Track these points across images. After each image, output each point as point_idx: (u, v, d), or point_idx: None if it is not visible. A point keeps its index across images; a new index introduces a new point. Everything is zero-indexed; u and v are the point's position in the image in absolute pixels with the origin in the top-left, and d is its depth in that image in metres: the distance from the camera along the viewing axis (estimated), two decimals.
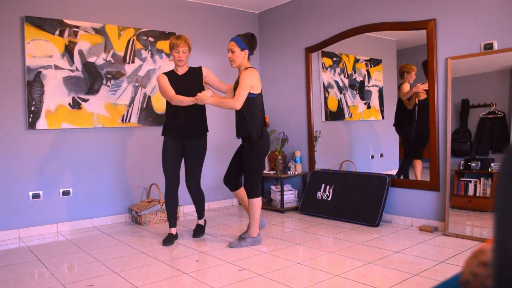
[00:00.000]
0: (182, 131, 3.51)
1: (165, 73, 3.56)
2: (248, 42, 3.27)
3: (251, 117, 3.23)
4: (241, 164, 3.41)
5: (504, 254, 0.54)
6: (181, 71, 3.57)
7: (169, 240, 3.55)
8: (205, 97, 3.25)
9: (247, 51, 3.27)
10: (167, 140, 3.55)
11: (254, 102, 3.25)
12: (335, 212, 4.27)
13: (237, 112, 3.29)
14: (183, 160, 3.66)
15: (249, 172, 3.33)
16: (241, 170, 3.46)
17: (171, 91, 3.41)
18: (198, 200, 3.76)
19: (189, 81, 3.53)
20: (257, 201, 3.34)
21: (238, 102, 3.15)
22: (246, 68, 3.26)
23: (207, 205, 5.13)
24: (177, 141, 3.54)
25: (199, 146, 3.60)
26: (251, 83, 3.18)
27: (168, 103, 3.54)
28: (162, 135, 3.60)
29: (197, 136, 3.57)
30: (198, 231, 3.78)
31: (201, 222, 3.84)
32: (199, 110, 3.56)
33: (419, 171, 4.18)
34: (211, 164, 5.15)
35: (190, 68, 3.62)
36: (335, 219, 4.24)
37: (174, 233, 3.64)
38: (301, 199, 4.75)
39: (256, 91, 3.24)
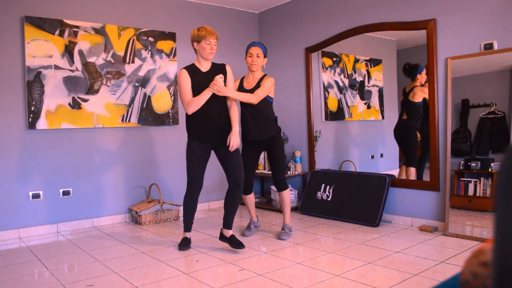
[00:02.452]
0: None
1: (186, 68, 3.22)
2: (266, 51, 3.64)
3: (274, 118, 3.65)
4: (255, 165, 3.70)
5: (504, 254, 0.54)
6: (205, 66, 3.26)
7: (185, 244, 3.36)
8: (223, 87, 3.13)
9: (265, 60, 3.63)
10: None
11: (271, 106, 3.65)
12: (335, 212, 4.27)
13: (261, 114, 3.51)
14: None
15: (282, 166, 3.63)
16: (254, 171, 3.72)
17: (187, 96, 3.15)
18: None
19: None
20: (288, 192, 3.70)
21: (257, 98, 3.40)
22: (265, 75, 3.59)
23: (207, 205, 5.13)
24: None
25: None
26: (272, 89, 3.56)
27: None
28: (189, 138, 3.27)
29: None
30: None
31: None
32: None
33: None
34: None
35: (213, 64, 3.31)
36: (335, 219, 4.24)
37: (189, 237, 3.43)
38: (301, 199, 4.75)
39: (273, 96, 3.65)
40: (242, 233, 3.76)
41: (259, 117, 3.53)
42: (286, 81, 5.24)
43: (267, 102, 3.55)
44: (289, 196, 3.66)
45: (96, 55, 4.28)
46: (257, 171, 5.21)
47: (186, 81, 3.15)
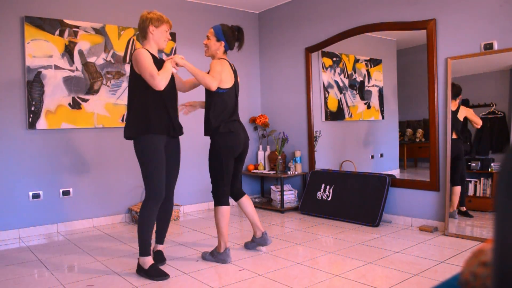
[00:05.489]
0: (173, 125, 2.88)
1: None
2: (230, 35, 3.06)
3: (214, 115, 2.95)
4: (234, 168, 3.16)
5: (504, 254, 0.54)
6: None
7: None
8: (180, 58, 2.83)
9: (222, 43, 3.04)
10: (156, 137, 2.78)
11: (223, 98, 2.97)
12: (335, 212, 4.27)
13: (205, 109, 3.03)
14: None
15: (211, 175, 3.03)
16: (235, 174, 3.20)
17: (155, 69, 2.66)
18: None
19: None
20: (224, 211, 2.97)
21: (215, 82, 2.83)
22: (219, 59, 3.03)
23: (207, 205, 5.12)
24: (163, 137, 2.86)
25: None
26: (221, 74, 2.91)
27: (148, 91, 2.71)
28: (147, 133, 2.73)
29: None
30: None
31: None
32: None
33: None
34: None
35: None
36: (335, 219, 4.24)
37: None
38: (301, 199, 4.75)
39: (225, 85, 2.96)
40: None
41: (205, 110, 3.07)
42: (286, 81, 5.24)
43: (211, 93, 2.96)
44: (218, 215, 2.98)
45: (96, 55, 4.28)
46: (256, 170, 5.21)
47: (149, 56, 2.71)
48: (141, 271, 2.73)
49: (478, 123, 3.62)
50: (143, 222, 2.73)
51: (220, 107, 2.96)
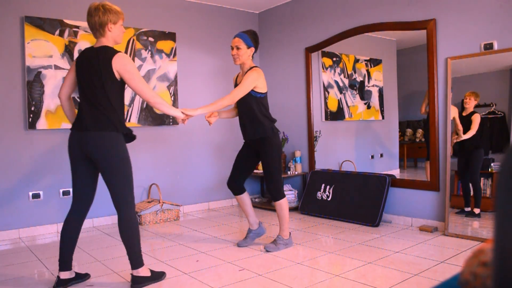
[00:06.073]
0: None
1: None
2: (253, 40, 3.16)
3: (264, 117, 3.17)
4: (248, 167, 3.33)
5: (504, 254, 0.54)
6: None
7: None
8: (193, 110, 2.82)
9: (253, 49, 3.16)
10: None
11: (264, 102, 3.20)
12: (335, 212, 4.27)
13: (247, 114, 3.17)
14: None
15: (271, 173, 3.18)
16: (246, 172, 3.36)
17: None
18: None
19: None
20: (285, 201, 3.25)
21: (231, 98, 3.00)
22: (251, 68, 3.14)
23: (207, 205, 5.12)
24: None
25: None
26: (255, 83, 3.08)
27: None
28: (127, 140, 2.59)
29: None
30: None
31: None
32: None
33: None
34: (210, 164, 5.15)
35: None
36: (335, 219, 4.24)
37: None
38: (301, 199, 4.75)
39: (263, 90, 3.17)
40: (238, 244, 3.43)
41: (244, 115, 3.21)
42: (286, 81, 5.24)
43: (251, 98, 3.12)
44: (283, 206, 3.23)
45: None
46: (256, 170, 5.20)
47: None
48: (145, 281, 2.55)
49: (459, 130, 3.64)
50: (137, 232, 2.54)
51: (266, 110, 3.22)
